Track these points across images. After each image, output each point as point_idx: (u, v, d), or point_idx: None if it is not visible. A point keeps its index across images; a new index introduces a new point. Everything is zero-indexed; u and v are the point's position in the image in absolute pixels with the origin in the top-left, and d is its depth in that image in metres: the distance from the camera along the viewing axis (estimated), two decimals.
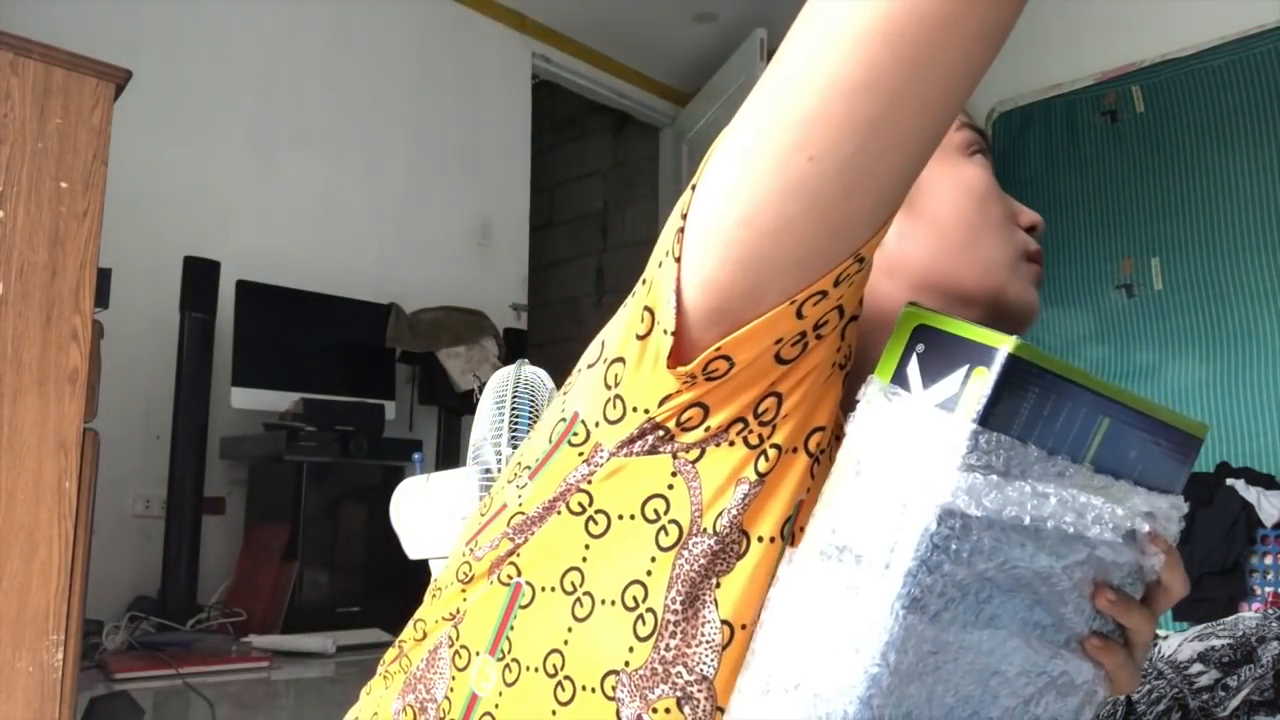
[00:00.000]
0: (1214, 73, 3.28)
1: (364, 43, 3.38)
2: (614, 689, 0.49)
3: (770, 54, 3.87)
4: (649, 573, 0.49)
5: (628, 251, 5.04)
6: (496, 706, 0.53)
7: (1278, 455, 2.94)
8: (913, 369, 0.45)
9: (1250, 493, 2.82)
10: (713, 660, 0.49)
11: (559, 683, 0.51)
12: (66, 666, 1.35)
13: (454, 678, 0.56)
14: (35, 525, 1.34)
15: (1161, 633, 3.25)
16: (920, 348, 0.45)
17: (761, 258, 0.44)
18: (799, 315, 0.46)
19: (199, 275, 2.60)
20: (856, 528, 0.43)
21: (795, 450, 0.50)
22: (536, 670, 0.52)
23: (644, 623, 0.49)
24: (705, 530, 0.49)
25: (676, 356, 0.48)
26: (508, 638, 0.54)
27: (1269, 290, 3.07)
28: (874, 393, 0.46)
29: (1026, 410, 0.42)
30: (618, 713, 0.49)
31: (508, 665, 0.53)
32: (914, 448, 0.43)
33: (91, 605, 1.51)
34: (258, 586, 2.66)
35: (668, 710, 0.49)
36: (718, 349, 0.46)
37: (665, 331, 0.47)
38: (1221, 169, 3.22)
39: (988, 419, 0.41)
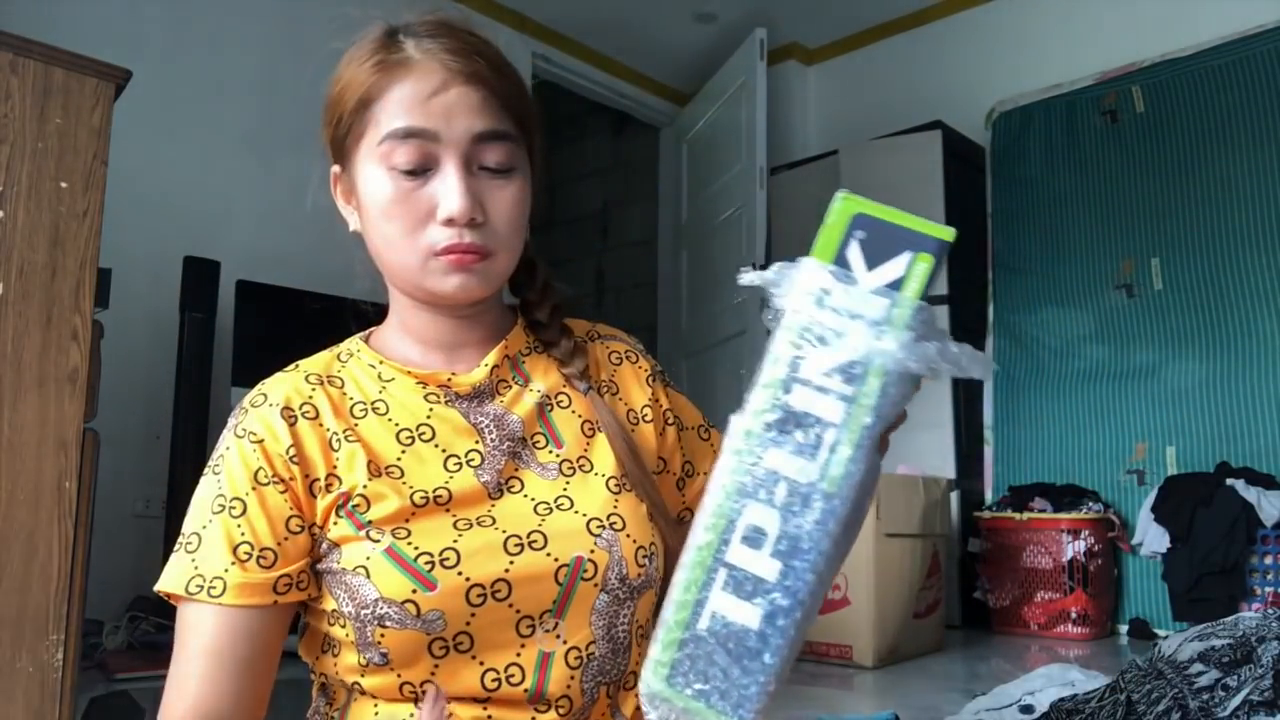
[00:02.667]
0: (1214, 73, 3.28)
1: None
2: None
3: (770, 54, 3.89)
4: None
5: (628, 251, 5.04)
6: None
7: (1278, 455, 2.94)
8: (854, 253, 0.52)
9: (1250, 493, 2.82)
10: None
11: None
12: (66, 666, 1.35)
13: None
14: (35, 525, 1.34)
15: (1161, 633, 3.26)
16: (860, 234, 0.52)
17: None
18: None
19: (199, 275, 2.60)
20: (811, 394, 0.52)
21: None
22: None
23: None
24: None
25: None
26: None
27: (1269, 290, 3.07)
28: (819, 275, 0.52)
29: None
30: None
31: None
32: (868, 322, 0.51)
33: (91, 605, 1.51)
34: None
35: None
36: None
37: None
38: (1221, 169, 3.22)
39: (925, 295, 0.51)
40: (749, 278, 0.56)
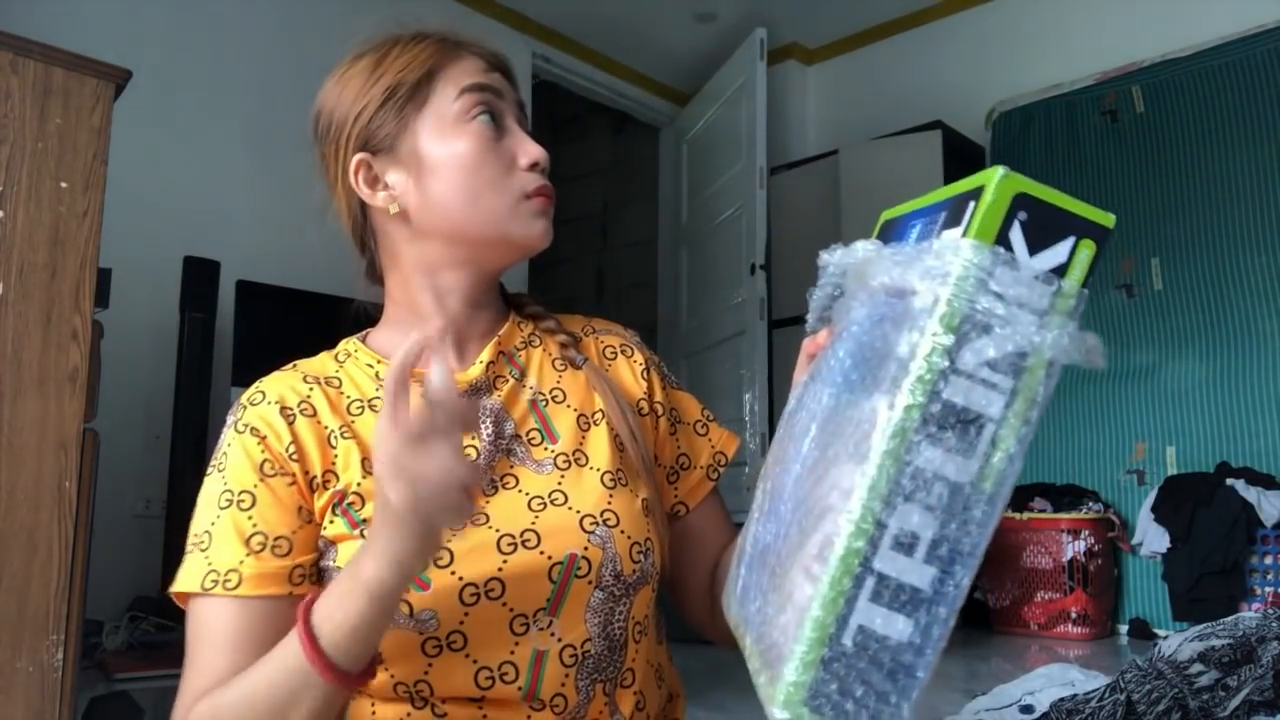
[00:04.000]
0: (1214, 73, 3.28)
1: (369, 36, 3.36)
2: None
3: (770, 54, 3.88)
4: None
5: (628, 251, 5.04)
6: None
7: (1278, 455, 2.94)
8: (1016, 235, 0.48)
9: (1250, 493, 2.82)
10: None
11: None
12: (66, 666, 1.35)
13: None
14: (35, 525, 1.34)
15: (1161, 633, 3.27)
16: (1023, 215, 0.48)
17: None
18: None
19: (199, 275, 2.60)
20: (971, 386, 0.47)
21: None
22: None
23: None
24: None
25: None
26: None
27: (1269, 290, 3.06)
28: (980, 257, 0.47)
29: None
30: None
31: None
32: (1033, 310, 0.47)
33: (91, 605, 1.51)
34: None
35: None
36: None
37: None
38: (1221, 169, 3.22)
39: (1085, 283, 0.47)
40: (839, 255, 0.53)
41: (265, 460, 0.73)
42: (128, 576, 2.65)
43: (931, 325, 0.46)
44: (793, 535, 0.53)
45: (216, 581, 0.69)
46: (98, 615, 2.37)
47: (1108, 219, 0.48)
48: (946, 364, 0.46)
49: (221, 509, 0.71)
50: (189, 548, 0.72)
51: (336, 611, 0.61)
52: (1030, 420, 0.47)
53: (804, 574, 0.49)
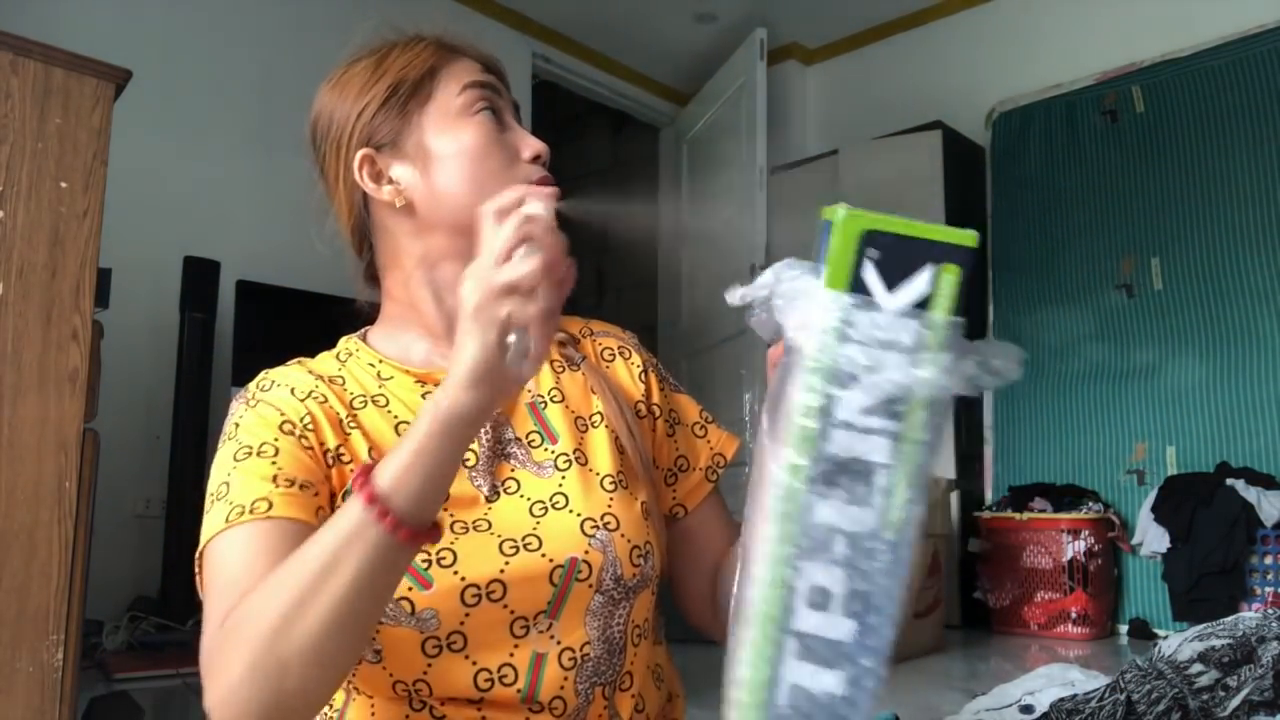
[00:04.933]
0: (1214, 73, 3.28)
1: (364, 42, 3.37)
2: None
3: (770, 54, 3.88)
4: None
5: (628, 251, 5.04)
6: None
7: (1278, 455, 2.94)
8: (870, 276, 0.46)
9: (1250, 493, 2.82)
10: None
11: None
12: (66, 666, 1.35)
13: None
14: (35, 525, 1.34)
15: (1161, 633, 3.27)
16: (874, 253, 0.46)
17: None
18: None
19: (199, 275, 2.60)
20: (853, 437, 0.46)
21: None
22: None
23: None
24: None
25: None
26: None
27: (1269, 290, 3.07)
28: (836, 308, 0.46)
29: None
30: None
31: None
32: (901, 350, 0.45)
33: (91, 605, 1.51)
34: None
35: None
36: None
37: None
38: (1221, 169, 3.22)
39: (956, 309, 0.46)
40: (740, 294, 0.52)
41: (284, 421, 0.72)
42: (128, 576, 2.65)
43: (802, 381, 0.46)
44: (741, 578, 0.54)
45: (243, 511, 0.65)
46: (98, 615, 2.37)
47: (968, 238, 0.46)
48: (820, 423, 0.46)
49: (239, 461, 0.69)
50: (207, 506, 0.69)
51: (398, 448, 0.59)
52: (921, 459, 0.46)
53: (745, 627, 0.49)
